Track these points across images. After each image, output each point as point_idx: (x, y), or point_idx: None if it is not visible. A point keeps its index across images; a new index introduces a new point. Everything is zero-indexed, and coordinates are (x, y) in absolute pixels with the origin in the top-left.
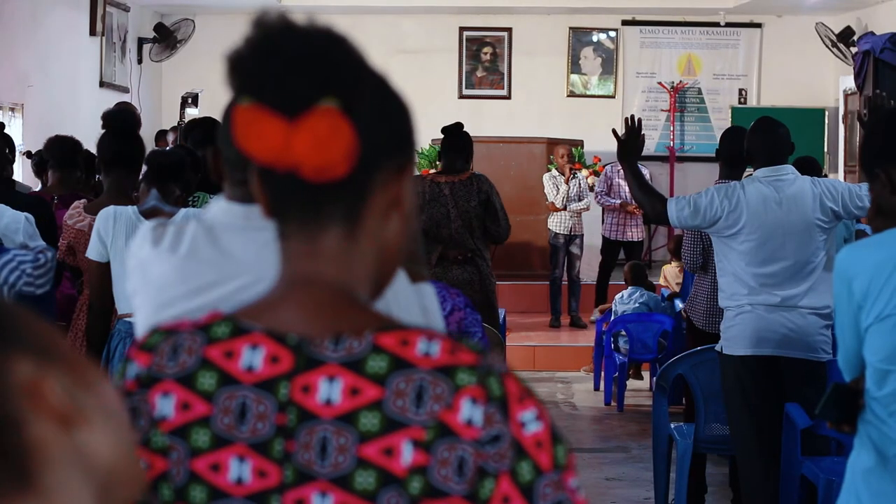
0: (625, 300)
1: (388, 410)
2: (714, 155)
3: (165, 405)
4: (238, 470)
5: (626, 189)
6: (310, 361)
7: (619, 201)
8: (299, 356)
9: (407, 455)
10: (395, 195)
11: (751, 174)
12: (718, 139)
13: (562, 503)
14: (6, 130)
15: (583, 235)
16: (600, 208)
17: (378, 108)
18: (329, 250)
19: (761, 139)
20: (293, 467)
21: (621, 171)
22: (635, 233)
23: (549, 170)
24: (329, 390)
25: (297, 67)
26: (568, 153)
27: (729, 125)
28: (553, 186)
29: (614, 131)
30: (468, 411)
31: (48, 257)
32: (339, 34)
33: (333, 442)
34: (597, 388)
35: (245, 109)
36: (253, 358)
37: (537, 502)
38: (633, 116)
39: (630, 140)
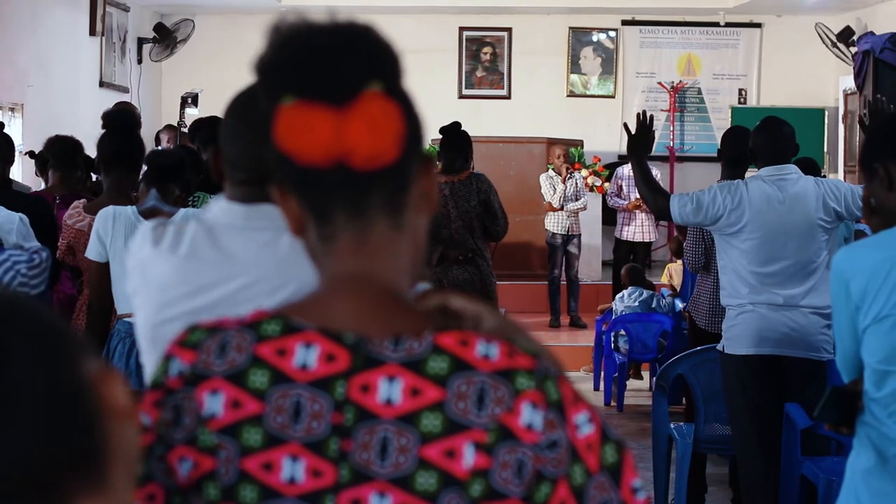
0: (625, 300)
1: (450, 412)
2: (714, 155)
3: (214, 403)
4: (291, 469)
5: (630, 191)
6: (368, 360)
7: (626, 202)
8: (357, 355)
9: (469, 457)
10: (426, 187)
11: (753, 174)
12: (719, 139)
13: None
14: (6, 130)
15: (580, 235)
16: (598, 208)
17: (407, 96)
18: (377, 244)
19: (766, 138)
20: (349, 467)
21: (628, 174)
22: (641, 233)
23: (548, 170)
24: (389, 390)
25: (337, 56)
26: (564, 153)
27: (729, 125)
28: (550, 186)
29: (625, 125)
30: (528, 416)
31: (43, 257)
32: (366, 24)
33: (394, 442)
34: (596, 388)
35: (289, 108)
36: (307, 356)
37: None
38: (644, 112)
39: (640, 135)
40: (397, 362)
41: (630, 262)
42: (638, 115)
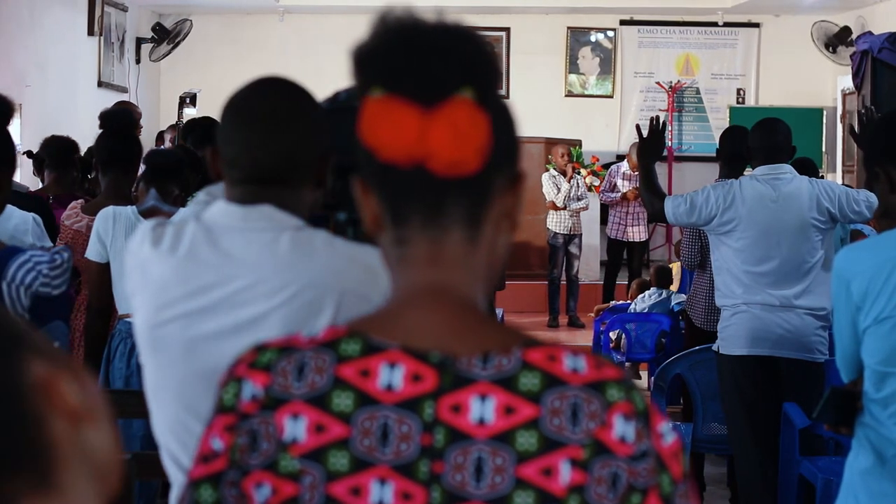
0: (646, 300)
1: (546, 429)
2: (713, 154)
3: (296, 428)
4: (379, 493)
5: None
6: (457, 379)
7: (618, 195)
8: (444, 374)
9: (565, 474)
10: (508, 207)
11: (749, 173)
12: (717, 139)
13: None
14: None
15: (581, 235)
16: (597, 208)
17: (502, 108)
18: (452, 256)
19: (762, 137)
20: (441, 489)
21: (623, 172)
22: (637, 233)
23: (547, 169)
24: (482, 409)
25: (434, 57)
26: (568, 153)
27: (727, 125)
28: (553, 186)
29: (638, 128)
30: (621, 428)
31: (64, 258)
32: (470, 28)
33: (490, 462)
34: None
35: (376, 101)
36: (392, 376)
37: None
38: (657, 117)
39: (652, 140)
40: (488, 380)
41: (657, 264)
42: (651, 119)
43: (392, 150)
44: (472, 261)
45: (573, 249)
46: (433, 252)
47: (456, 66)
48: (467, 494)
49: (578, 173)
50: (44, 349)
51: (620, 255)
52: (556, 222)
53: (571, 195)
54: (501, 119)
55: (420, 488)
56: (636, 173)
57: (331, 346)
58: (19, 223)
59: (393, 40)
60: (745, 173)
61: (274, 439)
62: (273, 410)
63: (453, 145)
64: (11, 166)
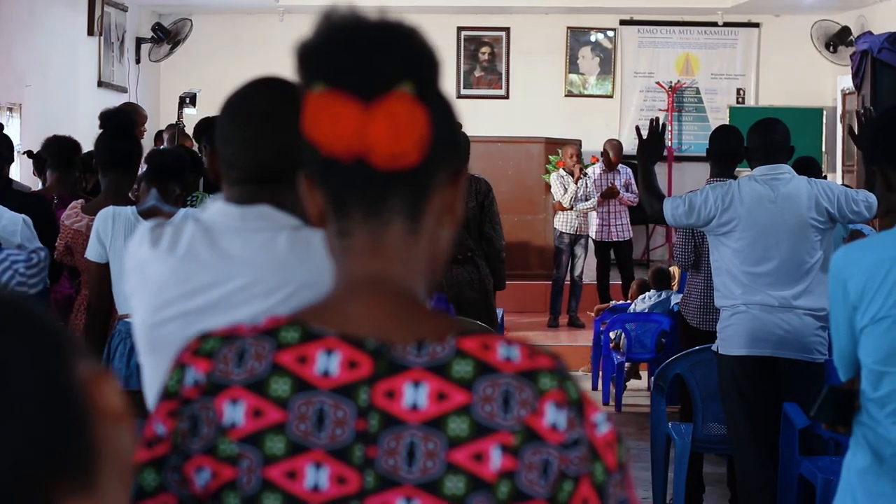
0: (645, 300)
1: (477, 415)
2: None
3: (235, 412)
4: (315, 477)
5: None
6: (392, 366)
7: (598, 196)
8: (379, 361)
9: (496, 460)
10: (450, 201)
11: (747, 174)
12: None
13: (623, 502)
14: (4, 131)
15: (588, 236)
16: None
17: (443, 103)
18: (393, 248)
19: (760, 138)
20: (375, 473)
21: (603, 171)
22: (620, 232)
23: (547, 170)
24: (415, 395)
25: (374, 52)
26: (577, 153)
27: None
28: (560, 186)
29: (637, 129)
30: (552, 416)
31: (41, 257)
32: (412, 25)
33: (422, 447)
34: (595, 388)
35: (318, 95)
36: (329, 363)
37: (607, 502)
38: (657, 119)
39: (652, 141)
40: (422, 367)
41: (656, 266)
42: (651, 120)
43: (333, 144)
44: (412, 253)
45: (578, 251)
46: (374, 244)
47: (396, 61)
48: (399, 479)
49: (585, 174)
50: (84, 351)
51: (608, 256)
52: (563, 222)
53: (579, 195)
54: (441, 114)
55: (354, 472)
56: (611, 172)
57: (271, 333)
58: (8, 224)
59: (335, 36)
60: (736, 172)
61: (214, 424)
62: (213, 396)
63: (392, 139)
64: None
